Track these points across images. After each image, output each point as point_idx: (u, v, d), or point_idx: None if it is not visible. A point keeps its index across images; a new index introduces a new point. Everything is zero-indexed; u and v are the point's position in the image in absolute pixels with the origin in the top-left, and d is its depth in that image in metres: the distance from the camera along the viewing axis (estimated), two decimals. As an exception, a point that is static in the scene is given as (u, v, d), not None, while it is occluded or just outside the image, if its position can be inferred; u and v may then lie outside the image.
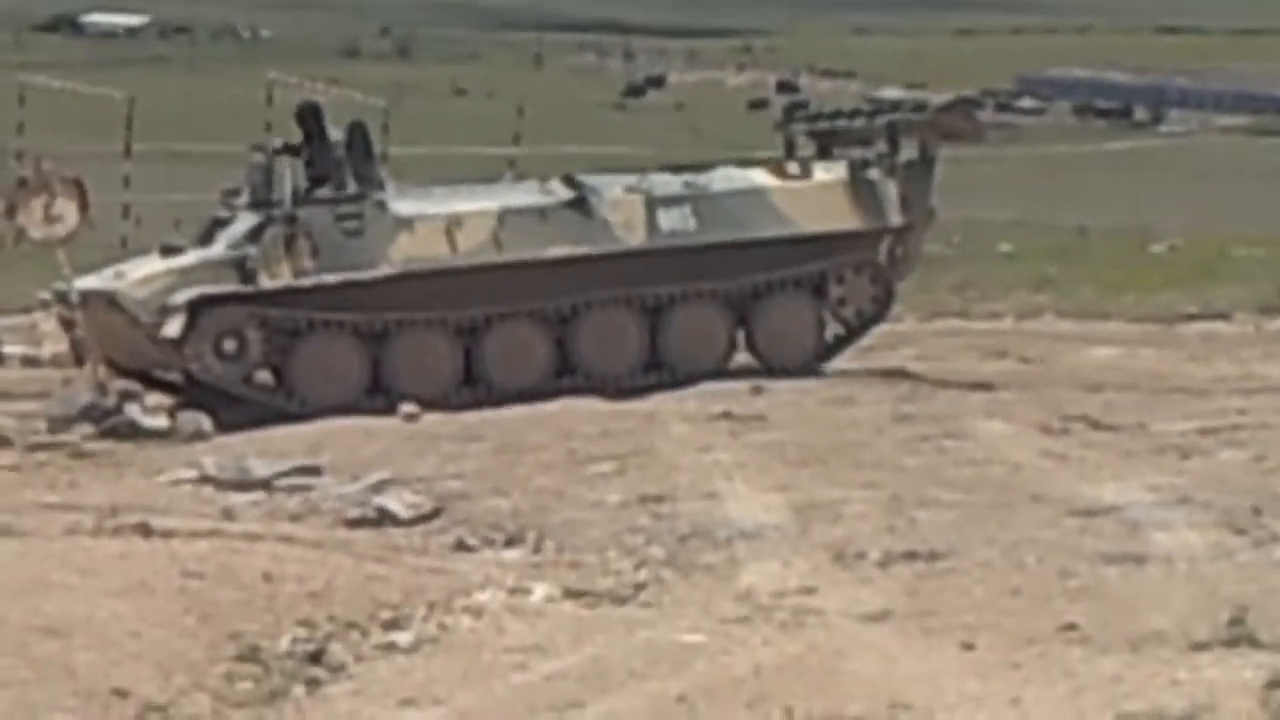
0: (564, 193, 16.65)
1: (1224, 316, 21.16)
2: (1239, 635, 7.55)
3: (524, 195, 17.17)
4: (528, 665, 7.74)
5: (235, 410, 15.24)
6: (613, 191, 16.85)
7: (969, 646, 7.77)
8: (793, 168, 17.62)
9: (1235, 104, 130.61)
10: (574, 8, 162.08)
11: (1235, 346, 19.52)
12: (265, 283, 15.54)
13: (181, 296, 15.11)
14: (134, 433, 14.45)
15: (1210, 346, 19.60)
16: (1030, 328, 21.04)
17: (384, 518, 11.19)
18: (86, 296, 15.62)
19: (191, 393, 15.89)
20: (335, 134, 16.34)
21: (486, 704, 7.07)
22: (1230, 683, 6.60)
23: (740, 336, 17.20)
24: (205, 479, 12.22)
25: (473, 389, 15.87)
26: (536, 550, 10.55)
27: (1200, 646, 7.44)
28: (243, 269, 15.53)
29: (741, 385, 16.04)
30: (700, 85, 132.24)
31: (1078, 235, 39.47)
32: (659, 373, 16.48)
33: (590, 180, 17.14)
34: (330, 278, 15.67)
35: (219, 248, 15.79)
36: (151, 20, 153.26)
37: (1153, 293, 23.06)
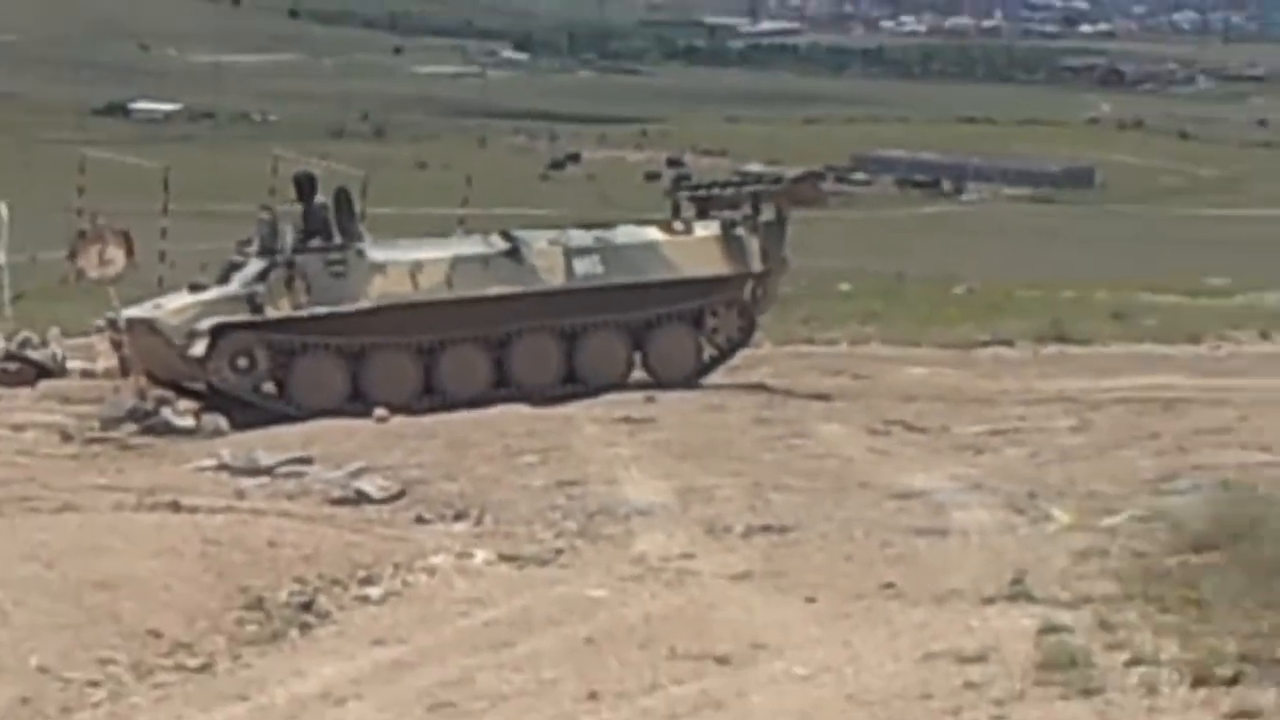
0: (501, 244, 16.27)
1: (1009, 343, 20.87)
2: (1019, 592, 7.47)
3: (471, 246, 16.85)
4: (470, 613, 7.68)
5: (246, 413, 14.93)
6: (539, 243, 16.41)
7: (811, 600, 7.69)
8: (678, 225, 17.24)
9: (1018, 178, 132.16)
10: (511, 100, 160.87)
11: (1018, 367, 19.03)
12: (270, 313, 15.21)
13: (205, 324, 14.84)
14: (167, 430, 14.19)
15: (998, 367, 19.07)
16: (860, 351, 20.41)
17: (361, 498, 10.92)
18: (131, 323, 15.34)
19: (212, 399, 15.50)
20: (324, 198, 16.04)
21: (439, 643, 7.05)
22: (1012, 630, 6.60)
23: (637, 357, 16.80)
24: (222, 467, 12.04)
25: (430, 397, 15.46)
26: (478, 523, 10.28)
27: (989, 601, 7.35)
28: (253, 302, 15.14)
29: (637, 395, 15.64)
30: (608, 161, 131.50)
31: (897, 280, 39.52)
32: (574, 385, 16.06)
33: (521, 234, 16.66)
34: (320, 310, 15.31)
35: (234, 286, 15.39)
36: (183, 107, 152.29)
37: (954, 325, 22.62)
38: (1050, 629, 6.47)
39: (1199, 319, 23.44)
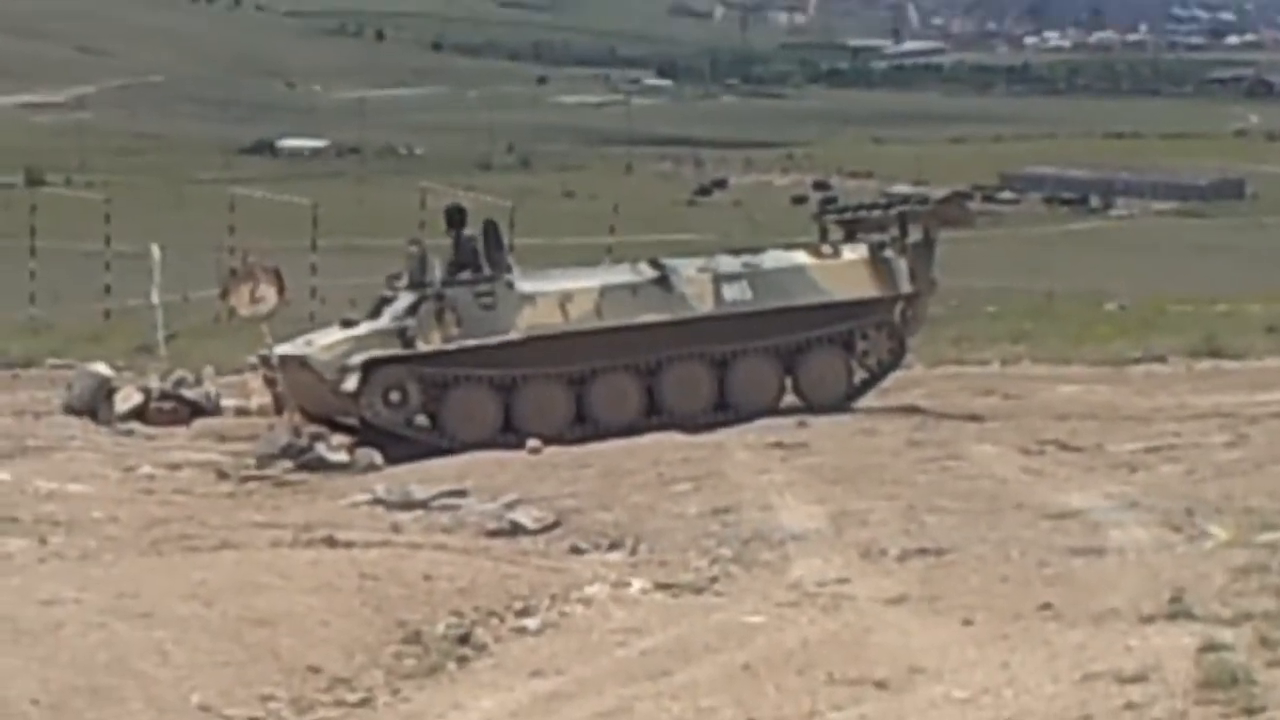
0: (650, 272, 16.18)
1: (1162, 359, 20.62)
2: (1178, 611, 7.24)
3: (619, 275, 16.75)
4: (628, 643, 7.63)
5: (400, 447, 14.77)
6: (688, 270, 16.37)
7: (968, 622, 7.53)
8: (826, 249, 17.12)
9: (1167, 192, 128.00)
10: (655, 127, 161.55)
11: (1171, 383, 18.74)
12: (421, 347, 15.09)
13: (357, 359, 14.75)
14: (322, 466, 13.97)
15: (1151, 383, 18.80)
16: (1012, 371, 20.18)
17: (516, 529, 10.84)
18: (284, 360, 15.23)
19: (366, 434, 15.34)
20: (473, 230, 16.11)
21: (596, 674, 6.97)
22: (1172, 648, 6.37)
23: (788, 382, 16.58)
24: (377, 501, 11.86)
25: (582, 427, 15.27)
26: (633, 552, 10.30)
27: (1147, 620, 7.22)
28: (404, 336, 15.02)
29: (789, 421, 15.54)
30: (754, 186, 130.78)
31: (1047, 299, 38.57)
32: (725, 412, 15.86)
33: (670, 262, 16.57)
34: (471, 342, 15.21)
35: (385, 320, 15.30)
36: (330, 143, 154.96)
37: (1106, 342, 22.37)
38: (1210, 647, 6.29)
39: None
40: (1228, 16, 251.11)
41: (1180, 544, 9.49)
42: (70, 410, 15.71)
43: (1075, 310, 30.88)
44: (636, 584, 9.03)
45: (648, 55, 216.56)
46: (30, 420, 15.75)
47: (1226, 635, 6.45)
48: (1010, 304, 33.05)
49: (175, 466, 13.99)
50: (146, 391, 16.39)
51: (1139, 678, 5.91)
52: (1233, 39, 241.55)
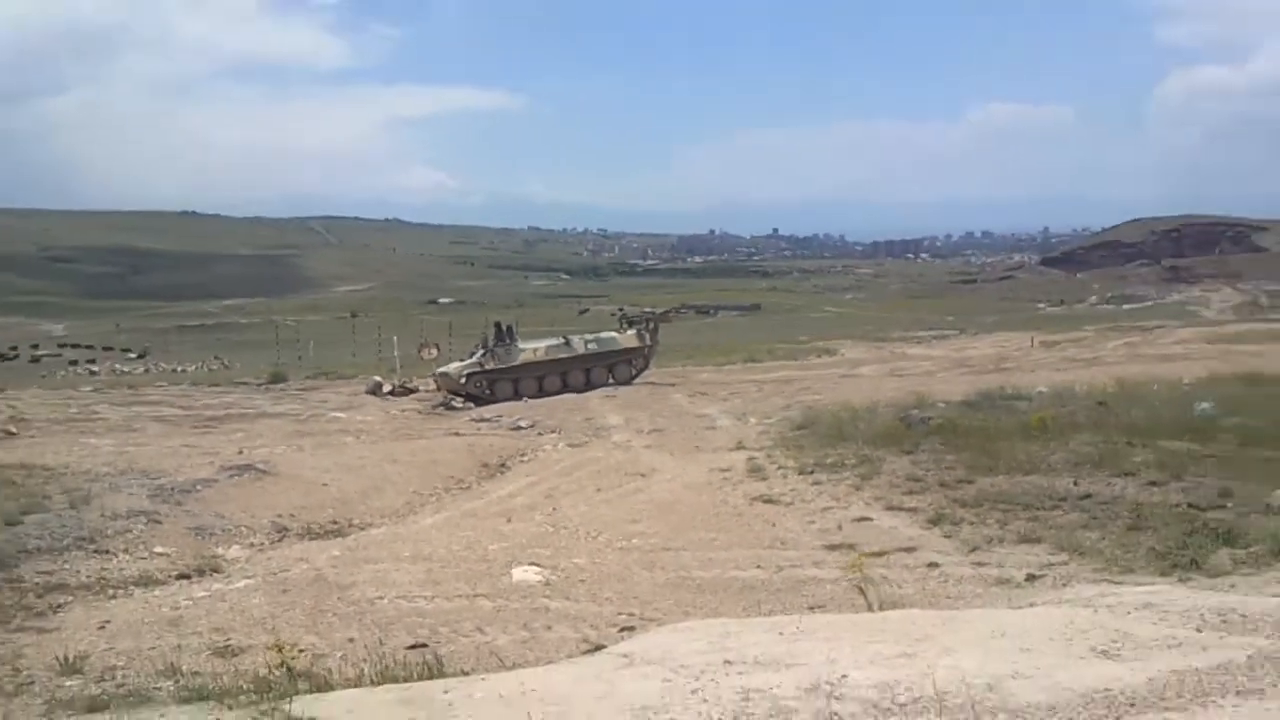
0: (562, 340, 36.43)
1: (735, 364, 38.94)
2: (739, 446, 16.17)
3: (553, 341, 30.11)
4: (559, 463, 15.92)
5: (481, 402, 26.91)
6: (576, 339, 29.77)
7: (672, 453, 16.10)
8: (622, 329, 31.27)
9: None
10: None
11: (738, 371, 35.49)
12: (487, 366, 28.59)
13: (466, 372, 28.17)
14: (453, 409, 26.51)
15: (731, 372, 35.37)
16: (684, 370, 35.57)
17: (519, 428, 20.69)
18: (442, 373, 28.70)
19: (469, 399, 27.67)
20: (503, 325, 31.14)
21: (547, 474, 15.09)
22: (737, 460, 14.85)
23: (610, 375, 29.19)
24: (476, 420, 22.93)
25: (542, 392, 28.39)
26: (560, 433, 19.29)
27: (731, 450, 15.90)
28: (481, 364, 28.75)
29: (611, 389, 27.45)
30: (596, 311, 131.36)
31: (697, 348, 48.95)
32: (589, 387, 28.45)
33: (570, 336, 36.33)
34: (503, 365, 28.76)
35: (475, 359, 29.09)
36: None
37: (719, 358, 45.21)
38: (750, 459, 14.85)
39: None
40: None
41: (740, 424, 19.05)
42: (368, 392, 29.20)
43: (710, 351, 42.27)
44: (561, 444, 18.17)
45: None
46: (351, 397, 28.47)
47: (756, 454, 15.21)
48: (689, 349, 43.29)
49: (403, 410, 25.85)
50: (393, 385, 30.19)
51: (729, 468, 14.38)
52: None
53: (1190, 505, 9.71)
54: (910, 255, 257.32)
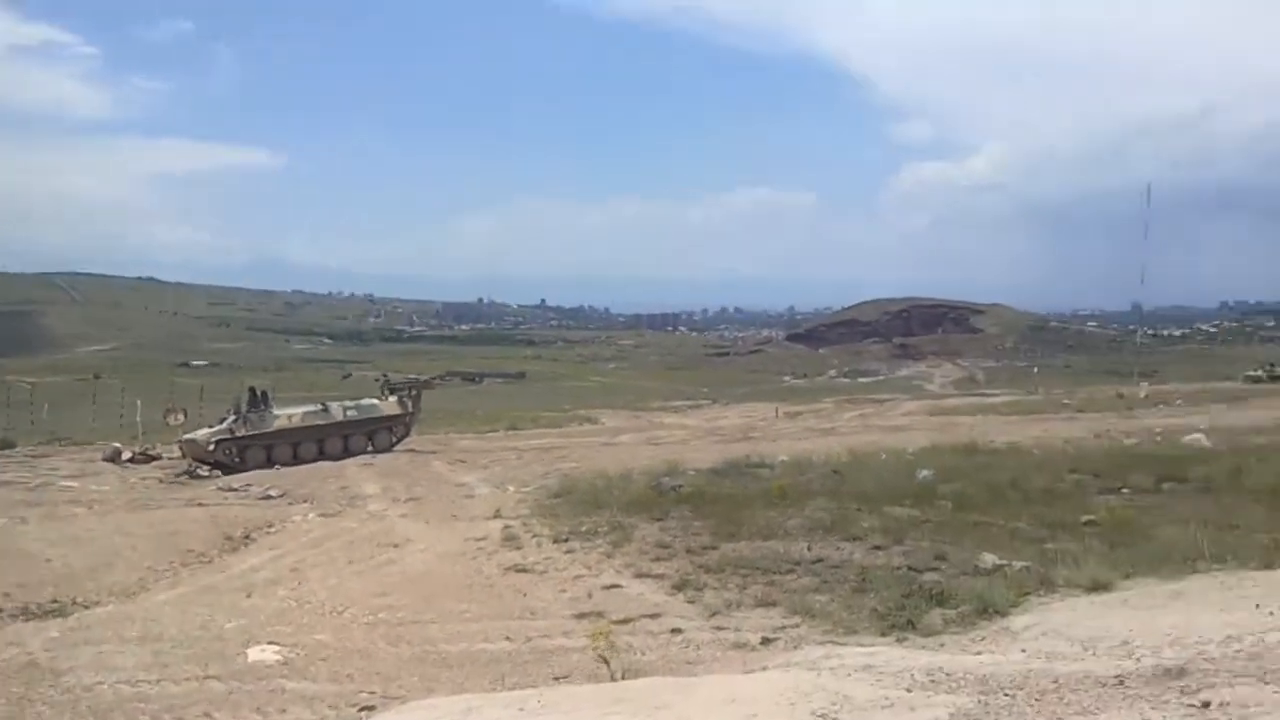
0: (321, 407, 33.45)
1: (498, 431, 40.63)
2: (497, 514, 15.94)
3: (310, 407, 29.15)
4: (308, 535, 15.26)
5: (228, 471, 25.38)
6: (334, 406, 29.15)
7: (428, 522, 15.73)
8: (383, 397, 35.77)
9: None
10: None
11: (499, 439, 35.84)
12: (238, 434, 26.84)
13: (215, 438, 26.42)
14: (198, 477, 24.79)
15: (492, 440, 35.30)
16: (443, 437, 36.77)
17: (269, 497, 19.65)
18: (189, 440, 26.84)
19: (216, 466, 25.98)
20: (257, 390, 29.46)
21: (296, 546, 14.40)
22: (495, 528, 14.80)
23: (370, 443, 28.44)
24: (221, 489, 21.40)
25: (298, 460, 26.72)
26: (312, 503, 18.49)
27: (489, 519, 15.74)
28: (231, 430, 27.01)
29: (370, 457, 26.61)
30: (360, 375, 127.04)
31: (458, 414, 48.53)
32: (347, 454, 27.42)
33: (329, 403, 29.75)
34: (255, 432, 26.95)
35: (225, 425, 27.26)
36: None
37: (481, 426, 46.75)
38: (506, 527, 14.58)
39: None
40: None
41: (498, 492, 18.82)
42: (105, 459, 27.27)
43: (474, 419, 42.54)
44: (313, 514, 17.26)
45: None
46: (86, 464, 26.57)
47: (513, 523, 14.98)
48: (452, 416, 42.69)
49: (143, 479, 24.01)
50: (134, 451, 28.26)
51: (484, 537, 14.10)
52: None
53: (909, 568, 10.26)
54: (670, 328, 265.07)
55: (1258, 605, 6.59)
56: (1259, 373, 77.36)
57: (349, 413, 28.55)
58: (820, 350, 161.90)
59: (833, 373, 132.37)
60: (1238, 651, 5.39)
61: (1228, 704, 4.32)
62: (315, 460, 26.15)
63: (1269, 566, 8.68)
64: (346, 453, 27.25)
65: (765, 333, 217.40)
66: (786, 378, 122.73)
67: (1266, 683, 4.69)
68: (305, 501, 18.89)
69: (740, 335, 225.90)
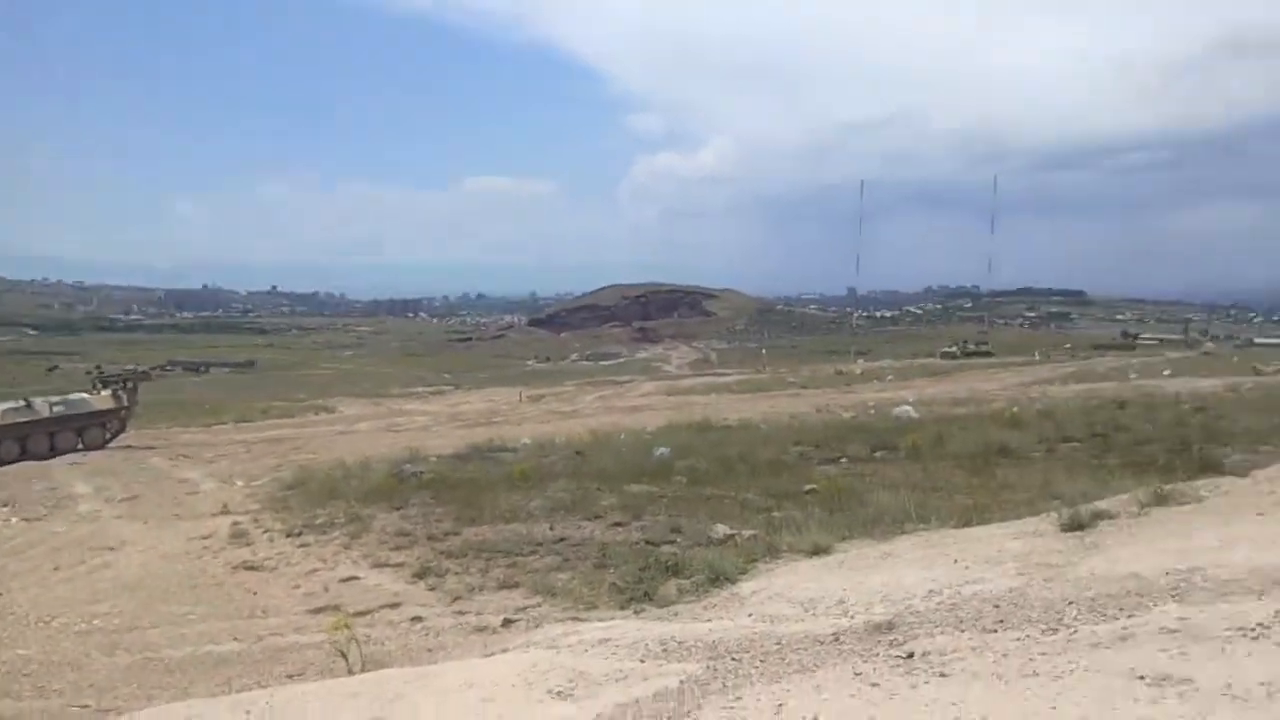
0: (24, 403, 24.75)
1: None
2: (224, 510, 15.11)
3: (12, 404, 27.34)
4: (12, 540, 13.76)
5: None
6: (39, 402, 25.37)
7: (145, 522, 14.58)
8: (96, 390, 35.90)
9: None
10: None
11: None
12: None
13: None
14: None
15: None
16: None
17: None
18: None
19: None
20: None
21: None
22: (220, 527, 14.12)
23: (80, 440, 26.28)
24: None
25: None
26: (12, 506, 16.70)
27: (214, 515, 14.91)
28: None
29: (79, 455, 24.49)
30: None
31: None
32: (53, 454, 25.00)
33: (33, 399, 26.38)
34: None
35: None
36: None
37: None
38: (235, 524, 13.88)
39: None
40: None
41: (225, 488, 17.71)
42: None
43: (198, 411, 38.71)
44: (14, 519, 15.61)
45: None
46: None
47: (241, 519, 14.27)
48: (174, 409, 39.73)
49: None
50: None
51: (209, 536, 13.31)
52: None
53: (647, 542, 10.50)
54: (410, 314, 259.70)
55: (955, 560, 7.14)
56: (953, 349, 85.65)
57: (55, 409, 26.25)
58: (562, 334, 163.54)
59: (575, 356, 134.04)
60: (939, 604, 5.81)
61: (929, 653, 4.64)
62: (18, 460, 23.88)
63: (967, 524, 9.45)
64: (54, 451, 25.09)
65: (508, 318, 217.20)
66: (530, 362, 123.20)
67: (963, 630, 5.09)
68: (4, 505, 16.93)
69: (483, 321, 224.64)
